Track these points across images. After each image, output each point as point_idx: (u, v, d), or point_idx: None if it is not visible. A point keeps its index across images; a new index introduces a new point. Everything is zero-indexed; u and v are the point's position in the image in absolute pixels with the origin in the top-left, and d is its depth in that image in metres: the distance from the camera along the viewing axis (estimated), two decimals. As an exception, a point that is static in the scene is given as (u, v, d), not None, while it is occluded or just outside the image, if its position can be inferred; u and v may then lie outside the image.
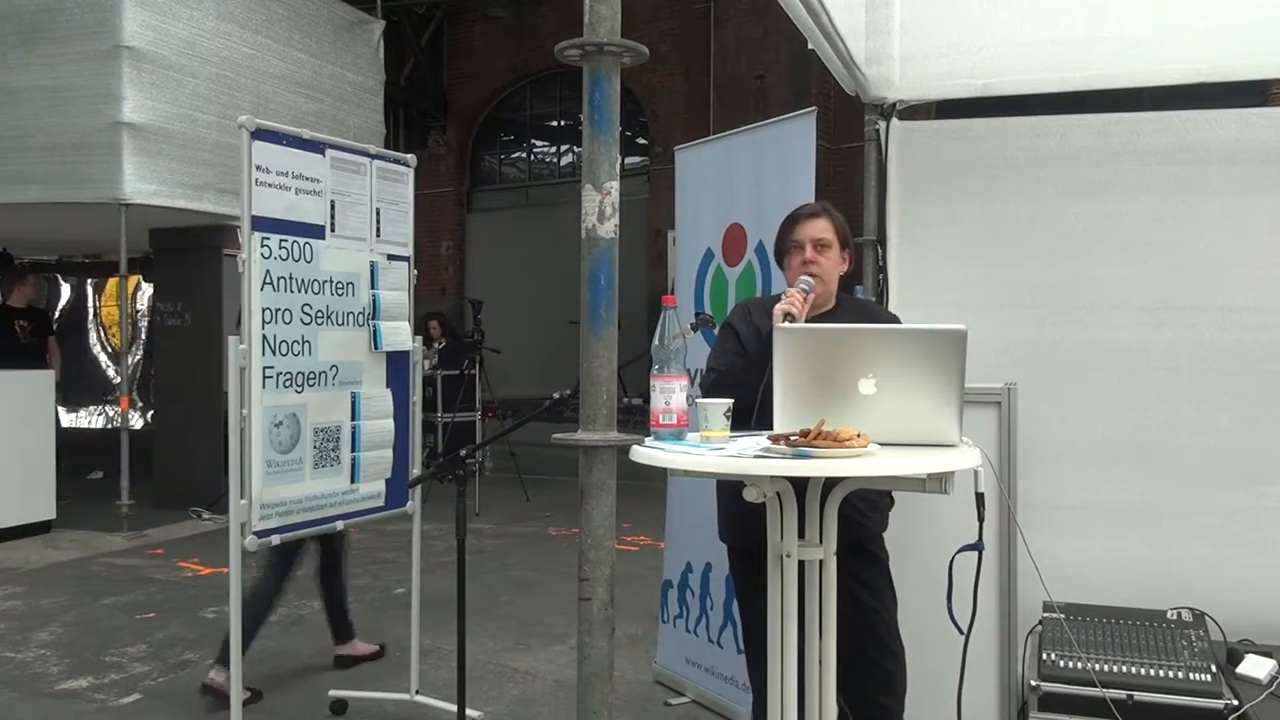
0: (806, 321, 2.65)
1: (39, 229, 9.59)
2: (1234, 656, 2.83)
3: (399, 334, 3.80)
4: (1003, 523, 3.16)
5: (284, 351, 3.36)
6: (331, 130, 7.52)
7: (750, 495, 2.05)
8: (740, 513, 2.37)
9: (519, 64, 14.21)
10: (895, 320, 2.82)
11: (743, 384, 2.48)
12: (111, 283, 13.75)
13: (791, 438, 2.01)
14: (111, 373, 14.34)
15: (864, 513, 2.69)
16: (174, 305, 8.73)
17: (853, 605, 2.62)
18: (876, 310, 3.09)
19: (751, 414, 2.38)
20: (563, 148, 14.74)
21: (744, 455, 2.02)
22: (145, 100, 7.46)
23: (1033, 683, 2.75)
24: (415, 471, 3.90)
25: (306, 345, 3.44)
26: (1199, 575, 3.16)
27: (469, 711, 3.30)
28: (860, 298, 3.37)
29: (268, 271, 3.31)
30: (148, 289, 12.94)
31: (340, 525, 3.64)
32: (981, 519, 2.30)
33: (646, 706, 4.05)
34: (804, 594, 2.31)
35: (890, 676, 2.70)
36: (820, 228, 2.71)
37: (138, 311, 13.55)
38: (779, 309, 2.53)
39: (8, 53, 7.63)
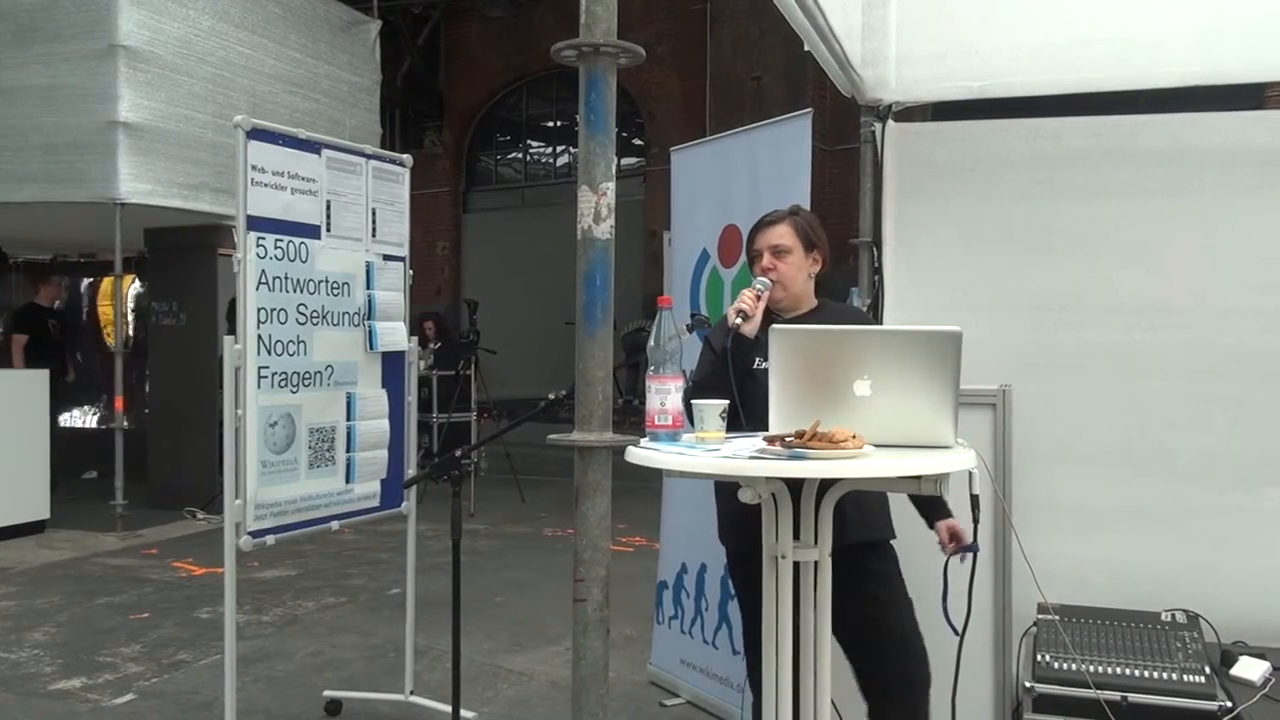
0: (786, 323, 2.67)
1: (33, 228, 9.56)
2: (1228, 658, 2.83)
3: (394, 334, 3.79)
4: (998, 524, 3.17)
5: (279, 351, 3.35)
6: (328, 130, 7.51)
7: (745, 496, 2.06)
8: (739, 515, 2.38)
9: (515, 64, 14.22)
10: None
11: (715, 388, 2.49)
12: (106, 282, 13.71)
13: (787, 439, 2.01)
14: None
15: (874, 512, 2.70)
16: (169, 305, 8.71)
17: (871, 601, 2.65)
18: (859, 316, 3.11)
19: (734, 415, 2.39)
20: (559, 148, 14.75)
21: (739, 456, 2.02)
22: (141, 99, 7.44)
23: (1027, 684, 2.75)
24: (410, 472, 3.90)
25: (302, 345, 3.43)
26: (1193, 577, 3.16)
27: (464, 712, 3.30)
28: (842, 304, 3.37)
29: (263, 271, 3.30)
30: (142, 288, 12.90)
31: (335, 525, 3.64)
32: (976, 521, 2.31)
33: (642, 707, 4.05)
34: (799, 595, 2.31)
35: (913, 674, 2.69)
36: (778, 234, 2.73)
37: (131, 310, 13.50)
38: (732, 308, 2.59)
39: (3, 52, 7.61)
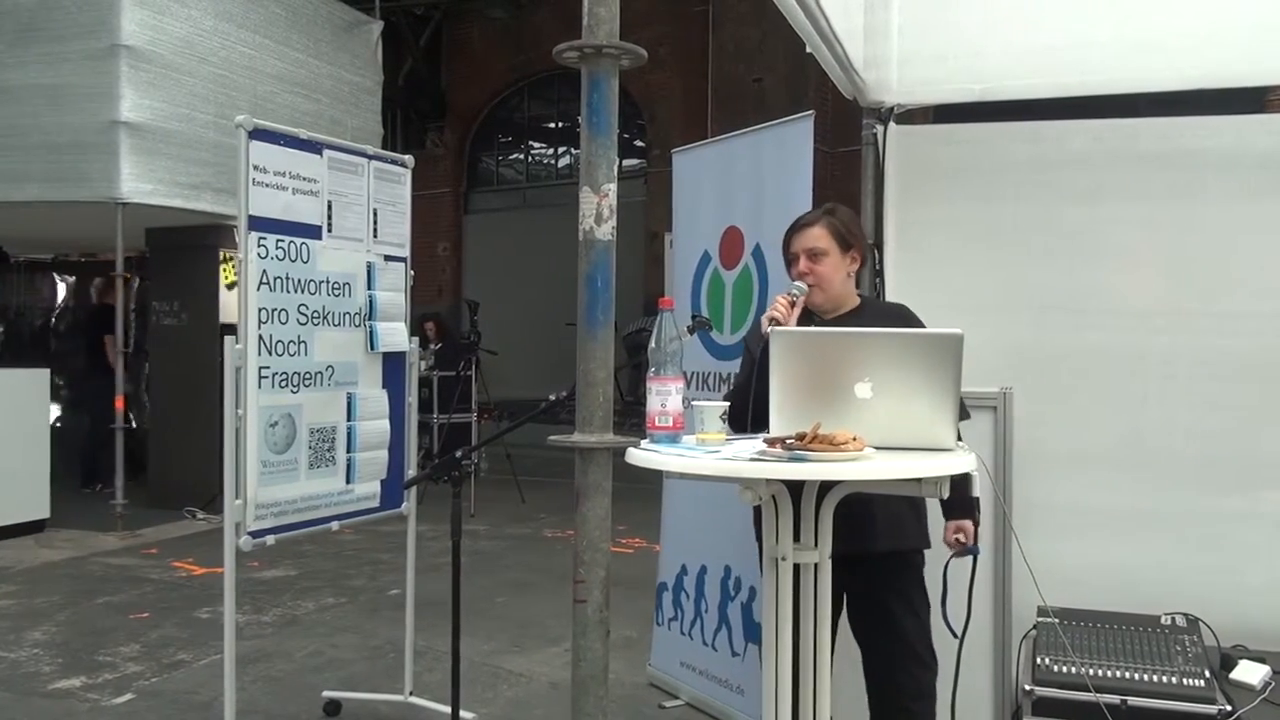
0: (824, 324, 2.66)
1: (35, 228, 9.56)
2: (1227, 662, 2.83)
3: (395, 335, 3.79)
4: (998, 527, 3.17)
5: (280, 352, 3.35)
6: (329, 130, 7.50)
7: (745, 498, 2.06)
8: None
9: (517, 65, 14.23)
10: (920, 324, 2.72)
11: (746, 393, 2.50)
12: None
13: (787, 440, 2.01)
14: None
15: (906, 521, 2.68)
16: (170, 305, 8.71)
17: (889, 618, 2.64)
18: (902, 312, 2.85)
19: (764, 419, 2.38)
20: (560, 149, 14.75)
21: (739, 458, 2.02)
22: (143, 99, 7.45)
23: (1026, 687, 2.74)
24: (411, 472, 3.90)
25: (303, 345, 3.43)
26: (1193, 580, 3.15)
27: (463, 713, 3.29)
28: (886, 302, 3.33)
29: (264, 271, 3.30)
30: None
31: (335, 526, 3.64)
32: (977, 524, 2.31)
33: (641, 709, 4.04)
34: (799, 598, 2.31)
35: (920, 684, 2.69)
36: (813, 236, 2.70)
37: (133, 310, 13.53)
38: (765, 316, 2.56)
39: (5, 51, 7.62)
